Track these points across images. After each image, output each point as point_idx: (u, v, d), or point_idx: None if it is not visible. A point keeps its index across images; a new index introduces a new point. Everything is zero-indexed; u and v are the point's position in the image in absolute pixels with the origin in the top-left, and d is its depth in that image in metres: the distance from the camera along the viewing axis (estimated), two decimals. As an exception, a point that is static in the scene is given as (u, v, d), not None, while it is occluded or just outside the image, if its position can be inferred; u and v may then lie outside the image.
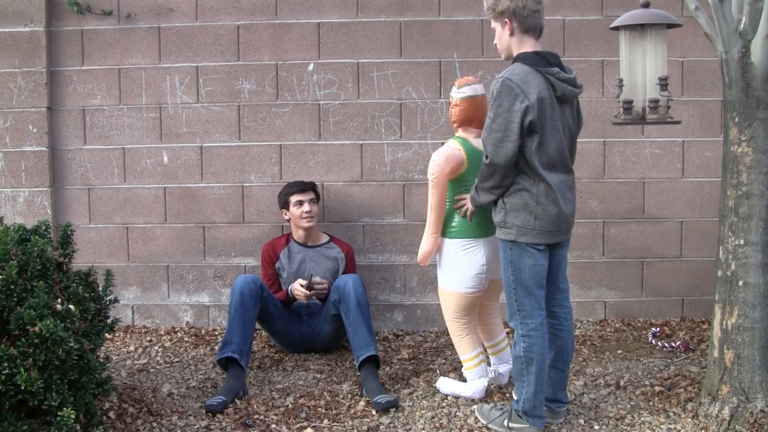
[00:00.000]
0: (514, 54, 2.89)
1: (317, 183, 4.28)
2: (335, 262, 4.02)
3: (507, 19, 2.85)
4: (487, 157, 2.80)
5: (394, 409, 3.25)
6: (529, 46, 2.87)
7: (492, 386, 3.45)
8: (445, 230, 3.24)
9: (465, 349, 3.34)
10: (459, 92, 3.22)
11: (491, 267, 3.22)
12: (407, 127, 4.30)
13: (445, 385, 3.43)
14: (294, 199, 3.97)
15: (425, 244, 3.25)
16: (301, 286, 3.81)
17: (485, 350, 3.48)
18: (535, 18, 2.85)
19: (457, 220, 3.21)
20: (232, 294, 3.65)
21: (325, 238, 4.09)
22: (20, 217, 4.30)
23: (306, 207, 3.95)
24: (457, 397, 3.36)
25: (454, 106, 3.24)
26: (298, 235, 4.04)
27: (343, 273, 3.98)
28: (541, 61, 2.80)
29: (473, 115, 3.21)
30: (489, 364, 3.48)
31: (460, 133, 3.27)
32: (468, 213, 3.14)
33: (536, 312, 2.89)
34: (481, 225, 3.18)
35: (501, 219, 2.89)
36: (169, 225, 4.40)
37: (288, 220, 4.07)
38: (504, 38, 2.91)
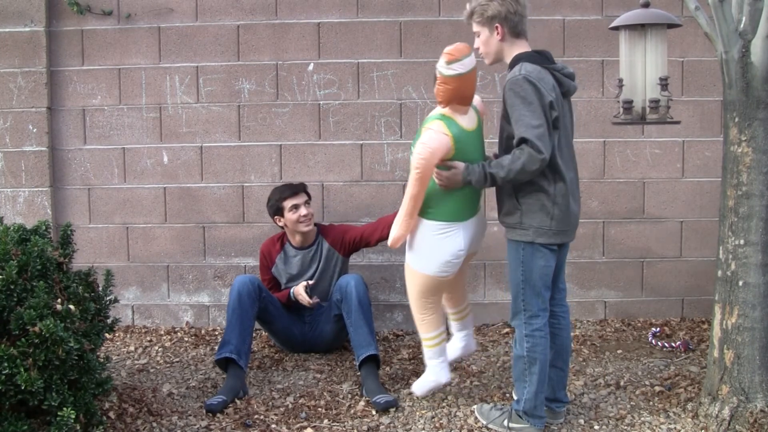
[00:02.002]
0: (506, 57, 2.89)
1: (317, 183, 4.29)
2: (331, 255, 3.93)
3: (498, 24, 2.83)
4: (540, 152, 2.66)
5: (393, 409, 3.25)
6: (521, 47, 2.87)
7: (463, 361, 3.36)
8: (423, 210, 2.98)
9: (428, 328, 3.18)
10: (449, 69, 2.82)
11: (469, 249, 3.05)
12: (407, 127, 4.30)
13: (419, 386, 3.28)
14: (288, 204, 3.79)
15: (400, 229, 2.99)
16: (305, 289, 3.79)
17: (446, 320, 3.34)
18: (524, 22, 2.87)
19: (436, 201, 2.96)
20: (230, 294, 3.64)
21: (314, 232, 3.95)
22: (20, 217, 4.30)
23: (303, 210, 3.80)
24: (433, 389, 3.27)
25: (441, 84, 2.86)
26: (295, 240, 3.92)
27: (340, 244, 3.92)
28: (544, 59, 2.82)
29: (463, 93, 2.88)
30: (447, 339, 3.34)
31: (445, 110, 2.91)
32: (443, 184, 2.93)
33: (542, 312, 2.90)
34: (465, 209, 2.99)
35: (516, 221, 2.85)
36: (169, 225, 4.40)
37: (283, 227, 3.92)
38: (492, 43, 2.87)
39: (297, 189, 3.86)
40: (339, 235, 3.94)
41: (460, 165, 2.86)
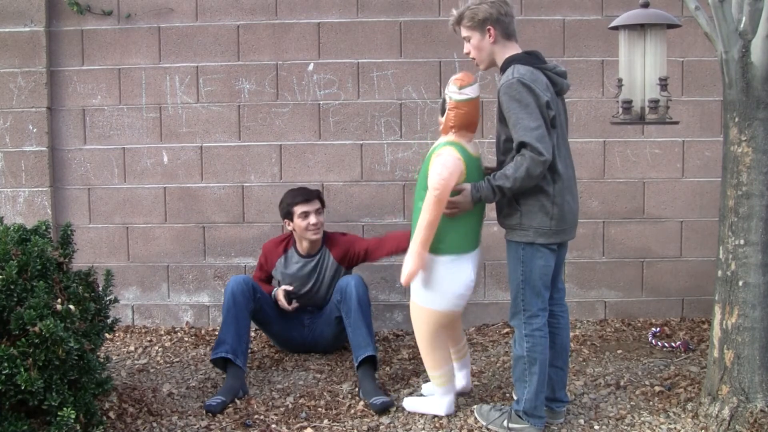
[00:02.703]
0: (498, 60, 2.89)
1: (317, 183, 4.28)
2: (333, 269, 3.86)
3: (490, 27, 2.83)
4: (542, 155, 2.67)
5: (393, 409, 3.25)
6: (513, 49, 2.87)
7: (465, 394, 3.37)
8: (432, 246, 2.91)
9: (439, 364, 3.12)
10: (461, 94, 2.88)
11: (476, 279, 3.06)
12: (407, 127, 4.30)
13: (414, 405, 3.25)
14: (298, 210, 3.71)
15: (414, 264, 2.88)
16: (287, 292, 3.78)
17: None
18: (513, 24, 2.87)
19: (444, 234, 2.91)
20: (225, 294, 3.63)
21: (320, 240, 3.86)
22: (20, 217, 4.30)
23: (312, 219, 3.71)
24: (423, 415, 3.21)
25: (454, 109, 2.89)
26: (302, 246, 3.85)
27: (343, 257, 3.86)
28: (536, 59, 2.82)
29: (473, 119, 2.93)
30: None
31: (453, 137, 2.93)
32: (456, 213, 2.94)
33: (541, 312, 2.90)
34: (471, 239, 2.98)
35: (516, 222, 2.85)
36: (169, 225, 4.40)
37: (292, 231, 3.85)
38: (485, 46, 2.87)
39: (310, 196, 3.77)
40: (344, 248, 3.85)
41: (467, 186, 2.87)
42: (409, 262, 2.91)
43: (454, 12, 2.90)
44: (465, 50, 2.93)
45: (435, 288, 2.98)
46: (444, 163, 2.84)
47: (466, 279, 2.99)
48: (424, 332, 3.09)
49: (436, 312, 3.02)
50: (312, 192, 3.81)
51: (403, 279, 2.93)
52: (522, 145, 2.71)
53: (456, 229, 2.95)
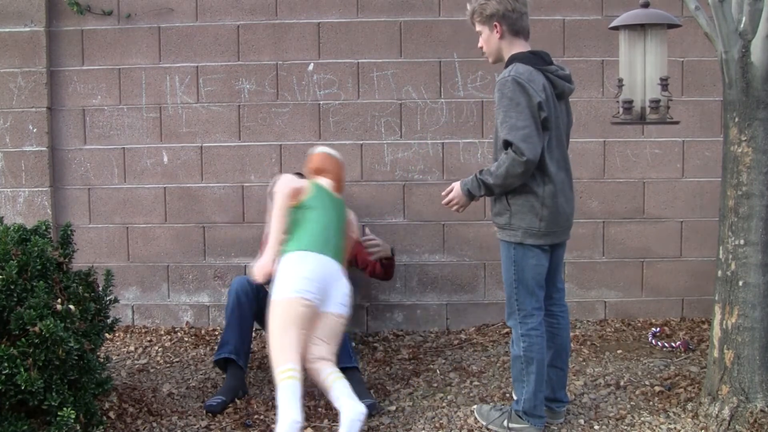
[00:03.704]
0: (505, 56, 2.90)
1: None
2: None
3: (496, 23, 2.85)
4: (523, 155, 2.69)
5: (394, 409, 3.25)
6: (520, 47, 2.88)
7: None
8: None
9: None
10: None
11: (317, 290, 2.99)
12: (407, 127, 4.30)
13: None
14: None
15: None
16: None
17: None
18: (524, 20, 2.88)
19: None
20: (229, 295, 3.63)
21: None
22: (20, 217, 4.30)
23: None
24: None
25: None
26: None
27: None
28: (539, 59, 2.82)
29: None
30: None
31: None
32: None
33: (536, 312, 2.90)
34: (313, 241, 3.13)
35: (506, 221, 2.87)
36: (169, 225, 4.40)
37: None
38: (493, 41, 2.90)
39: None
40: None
41: (456, 183, 2.93)
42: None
43: (468, 7, 2.95)
44: (479, 44, 2.98)
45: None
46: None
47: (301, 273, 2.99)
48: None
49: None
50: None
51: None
52: (507, 143, 2.74)
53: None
